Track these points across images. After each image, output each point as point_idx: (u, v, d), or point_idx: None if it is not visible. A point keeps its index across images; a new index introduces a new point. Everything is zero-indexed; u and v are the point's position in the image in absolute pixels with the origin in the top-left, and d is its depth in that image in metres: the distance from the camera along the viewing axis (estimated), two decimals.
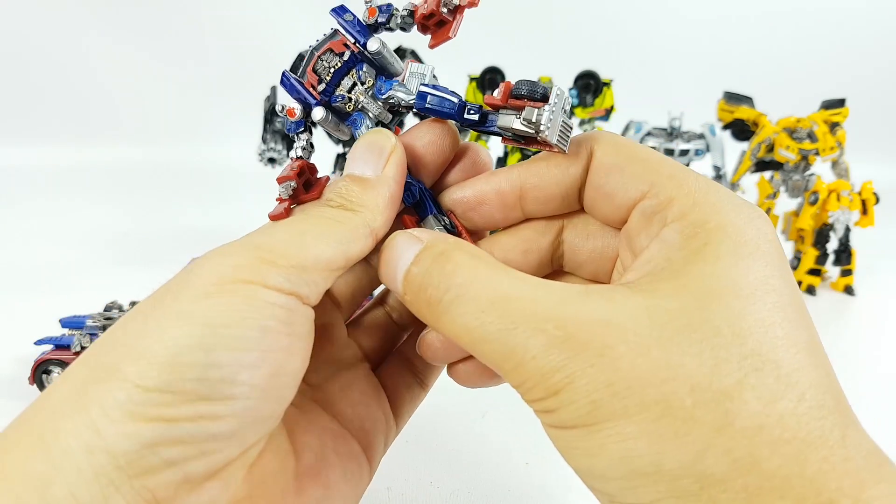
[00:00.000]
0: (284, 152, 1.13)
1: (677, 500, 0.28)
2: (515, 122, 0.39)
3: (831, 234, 1.22)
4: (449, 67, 1.19)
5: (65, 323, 0.84)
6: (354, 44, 0.44)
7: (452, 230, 0.43)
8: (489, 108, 0.42)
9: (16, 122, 2.08)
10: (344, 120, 0.45)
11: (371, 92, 0.44)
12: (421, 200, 0.43)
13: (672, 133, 1.20)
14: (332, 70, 0.44)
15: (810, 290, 1.21)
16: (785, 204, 1.28)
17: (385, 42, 0.44)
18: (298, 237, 0.35)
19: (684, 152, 1.19)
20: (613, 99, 1.17)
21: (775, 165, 1.25)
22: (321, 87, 0.44)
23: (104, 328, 0.82)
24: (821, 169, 1.24)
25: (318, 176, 0.44)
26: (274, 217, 0.39)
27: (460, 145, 0.46)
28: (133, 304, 0.87)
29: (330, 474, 0.40)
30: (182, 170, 1.96)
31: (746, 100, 1.26)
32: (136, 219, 1.59)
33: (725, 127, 1.26)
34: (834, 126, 1.22)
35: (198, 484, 0.31)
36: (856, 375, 0.89)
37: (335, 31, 0.45)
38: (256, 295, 0.32)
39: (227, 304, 0.31)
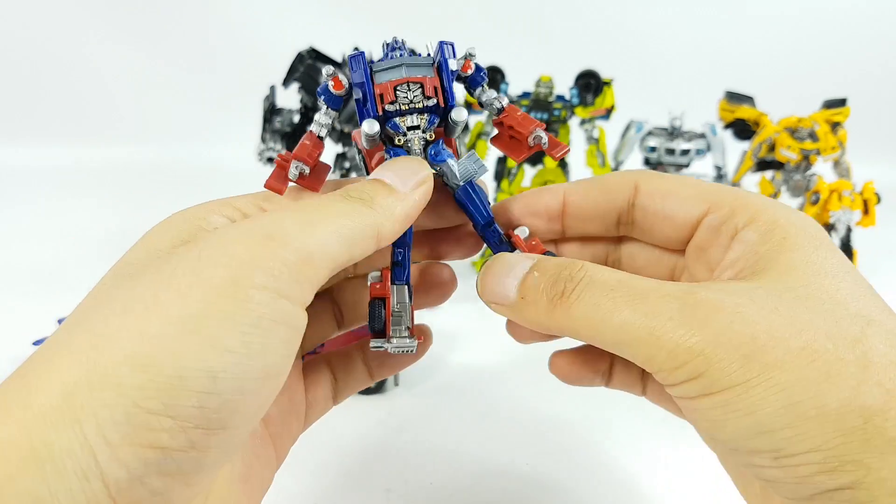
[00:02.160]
0: (284, 152, 1.12)
1: (845, 437, 0.29)
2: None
3: (833, 234, 1.22)
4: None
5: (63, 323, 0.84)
6: (443, 95, 0.43)
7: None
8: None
9: (14, 122, 2.08)
10: (376, 144, 0.44)
11: (425, 144, 0.44)
12: (402, 264, 0.45)
13: (673, 132, 1.20)
14: (410, 104, 0.43)
15: None
16: (788, 203, 1.28)
17: None
18: (310, 228, 0.34)
19: (685, 152, 1.19)
20: (614, 98, 1.16)
21: (776, 165, 1.25)
22: (388, 107, 0.43)
23: None
24: (822, 169, 1.24)
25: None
26: (270, 187, 0.42)
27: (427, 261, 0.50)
28: None
29: (254, 479, 0.40)
30: (180, 170, 1.96)
31: (747, 99, 1.26)
32: (134, 219, 1.57)
33: (727, 126, 1.26)
34: (835, 126, 1.21)
35: None
36: None
37: (430, 65, 0.44)
38: (267, 312, 0.30)
39: (238, 321, 0.29)
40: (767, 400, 0.30)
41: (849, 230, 1.21)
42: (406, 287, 0.45)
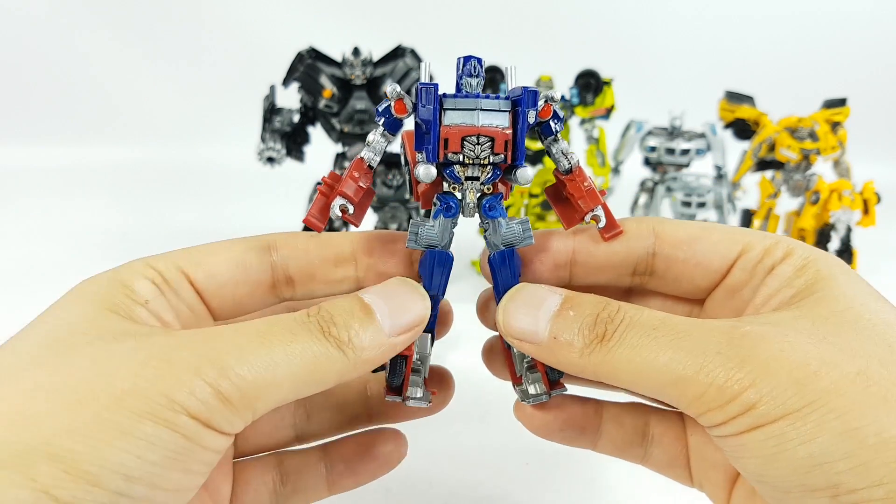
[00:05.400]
0: (283, 151, 1.12)
1: None
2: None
3: (833, 234, 1.22)
4: (449, 66, 1.19)
5: None
6: (513, 152, 0.39)
7: None
8: None
9: (12, 122, 2.07)
10: (414, 189, 0.42)
11: (480, 196, 0.41)
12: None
13: (673, 132, 1.20)
14: (476, 159, 0.39)
15: None
16: (786, 203, 1.28)
17: None
18: (260, 364, 0.31)
19: (685, 151, 1.19)
20: (614, 98, 1.16)
21: (777, 165, 1.25)
22: (451, 156, 0.39)
23: None
24: (822, 168, 1.24)
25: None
26: (310, 224, 0.40)
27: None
28: None
29: None
30: (180, 169, 1.95)
31: (747, 99, 1.26)
32: (133, 219, 1.58)
33: (727, 126, 1.26)
34: (835, 125, 1.21)
35: None
36: None
37: (507, 111, 0.40)
38: (198, 439, 0.30)
39: (165, 438, 0.29)
40: (824, 427, 0.28)
41: (849, 230, 1.21)
42: (430, 335, 0.43)
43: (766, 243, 0.39)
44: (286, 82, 1.11)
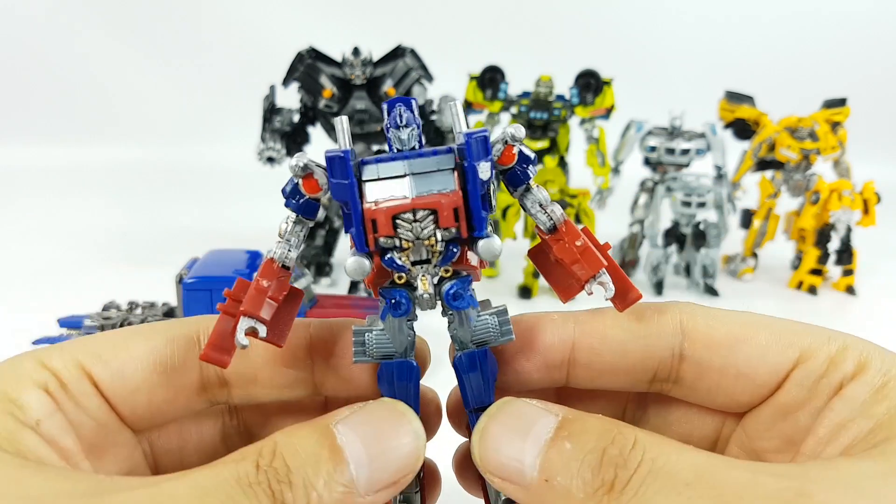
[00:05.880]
0: (283, 151, 1.12)
1: None
2: None
3: (832, 233, 1.22)
4: (449, 66, 1.19)
5: (63, 322, 0.84)
6: (468, 222, 0.30)
7: None
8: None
9: (11, 122, 2.07)
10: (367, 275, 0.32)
11: (439, 280, 0.32)
12: None
13: (673, 132, 1.20)
14: (416, 240, 0.30)
15: (812, 290, 1.21)
16: (787, 203, 1.28)
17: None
18: None
19: (685, 151, 1.19)
20: (614, 98, 1.16)
21: (776, 165, 1.25)
22: (384, 241, 0.30)
23: (102, 328, 0.82)
24: (822, 168, 1.24)
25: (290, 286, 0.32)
26: (209, 360, 0.30)
27: None
28: (131, 303, 0.87)
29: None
30: (180, 169, 1.95)
31: (747, 99, 1.26)
32: (133, 218, 1.58)
33: (727, 126, 1.26)
34: (835, 125, 1.21)
35: None
36: None
37: (451, 169, 0.30)
38: None
39: None
40: None
41: (849, 230, 1.21)
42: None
43: (830, 350, 0.30)
44: (286, 82, 1.11)
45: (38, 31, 2.10)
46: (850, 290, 1.21)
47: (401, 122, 0.30)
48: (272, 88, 1.14)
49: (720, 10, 2.15)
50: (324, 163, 0.30)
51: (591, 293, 0.32)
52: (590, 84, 1.16)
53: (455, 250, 0.30)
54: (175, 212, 1.63)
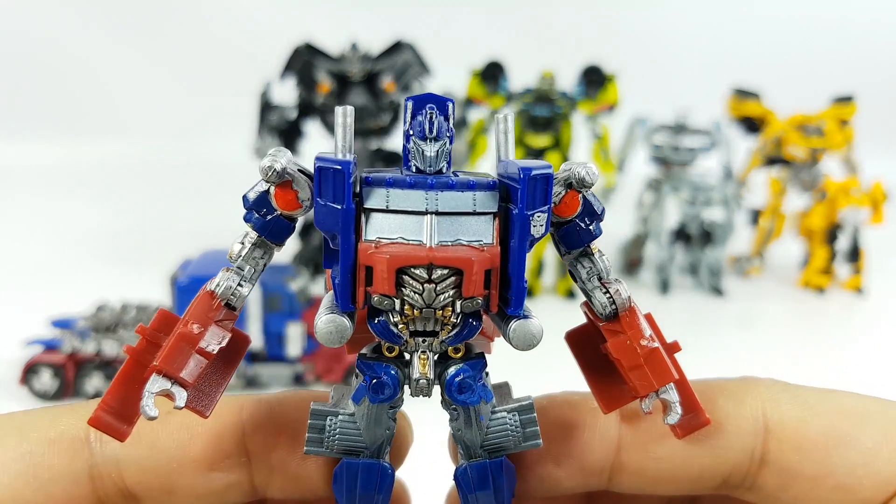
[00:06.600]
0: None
1: None
2: None
3: (840, 233, 1.21)
4: (452, 61, 1.17)
5: (56, 323, 0.83)
6: (502, 290, 0.23)
7: None
8: None
9: (8, 119, 2.05)
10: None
11: (438, 358, 0.24)
12: None
13: (678, 129, 1.18)
14: (426, 307, 0.22)
15: (820, 290, 1.20)
16: (794, 203, 1.27)
17: None
18: None
19: (691, 149, 1.17)
20: (617, 94, 1.14)
21: (784, 162, 1.24)
22: (378, 302, 0.22)
23: (95, 329, 0.81)
24: (830, 166, 1.23)
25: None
26: (97, 425, 0.23)
27: None
28: (124, 304, 0.86)
29: None
30: (174, 167, 1.94)
31: (754, 96, 1.25)
32: (126, 218, 1.56)
33: (737, 122, 1.26)
34: (843, 123, 1.21)
35: None
36: (865, 373, 0.88)
37: (492, 214, 0.23)
38: None
39: None
40: None
41: (856, 229, 1.20)
42: None
43: None
44: (283, 77, 1.09)
45: (38, 31, 2.08)
46: (858, 289, 1.20)
47: (430, 131, 0.22)
48: (268, 85, 1.12)
49: (726, 6, 2.14)
50: (311, 169, 0.22)
51: (649, 412, 0.24)
52: (593, 80, 1.15)
53: (476, 325, 0.22)
54: (167, 211, 1.61)
